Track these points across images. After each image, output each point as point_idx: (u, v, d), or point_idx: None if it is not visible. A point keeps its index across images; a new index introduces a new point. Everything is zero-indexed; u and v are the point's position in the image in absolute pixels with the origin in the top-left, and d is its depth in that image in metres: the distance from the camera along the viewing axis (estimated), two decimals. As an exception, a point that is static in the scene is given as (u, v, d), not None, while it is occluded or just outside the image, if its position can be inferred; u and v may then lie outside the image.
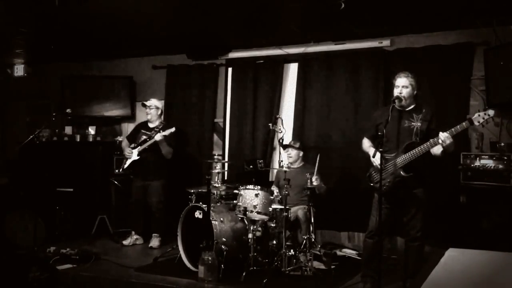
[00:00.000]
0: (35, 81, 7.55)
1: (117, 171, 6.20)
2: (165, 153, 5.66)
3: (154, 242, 5.70)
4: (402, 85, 3.99)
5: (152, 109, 5.82)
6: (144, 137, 5.75)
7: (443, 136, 3.64)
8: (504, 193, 4.54)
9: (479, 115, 3.62)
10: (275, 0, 4.66)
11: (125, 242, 5.76)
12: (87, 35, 5.99)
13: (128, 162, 5.72)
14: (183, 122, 6.77)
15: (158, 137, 5.50)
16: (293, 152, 5.38)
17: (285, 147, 5.40)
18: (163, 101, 6.57)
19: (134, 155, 5.70)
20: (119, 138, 6.88)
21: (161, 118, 5.95)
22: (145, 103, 5.87)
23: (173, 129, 5.54)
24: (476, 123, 3.63)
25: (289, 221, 4.76)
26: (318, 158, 4.98)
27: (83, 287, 4.51)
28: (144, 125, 5.94)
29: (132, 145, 5.78)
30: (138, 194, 5.78)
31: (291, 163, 5.39)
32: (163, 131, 5.55)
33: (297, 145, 5.42)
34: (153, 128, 5.78)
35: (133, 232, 5.85)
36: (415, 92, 4.04)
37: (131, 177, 5.94)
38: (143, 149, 5.66)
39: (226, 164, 6.28)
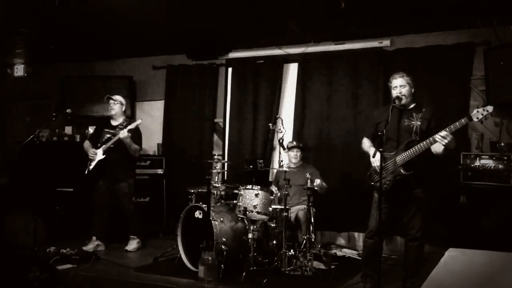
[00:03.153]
0: (35, 81, 7.55)
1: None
2: (132, 151, 5.37)
3: (132, 245, 5.46)
4: (400, 85, 4.00)
5: (116, 104, 5.51)
6: (108, 135, 5.43)
7: (443, 133, 3.64)
8: (504, 193, 4.54)
9: (477, 111, 3.61)
10: (275, 0, 4.66)
11: (86, 248, 5.35)
12: (87, 35, 5.99)
13: (94, 163, 5.39)
14: (183, 122, 6.78)
15: (122, 133, 5.18)
16: (298, 153, 5.41)
17: (291, 148, 5.41)
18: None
19: (99, 155, 5.37)
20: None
21: (124, 115, 5.66)
22: (111, 96, 5.52)
23: (139, 121, 5.31)
24: (475, 119, 3.62)
25: (289, 221, 4.77)
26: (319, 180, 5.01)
27: (83, 287, 4.51)
28: (106, 123, 5.59)
29: (99, 145, 5.47)
30: (102, 197, 5.48)
31: (294, 163, 5.40)
32: (126, 127, 5.26)
33: (301, 145, 5.47)
34: (117, 126, 5.46)
35: (94, 238, 5.52)
36: (413, 90, 4.05)
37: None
38: (108, 147, 5.32)
39: (226, 164, 6.28)
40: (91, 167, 5.42)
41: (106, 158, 5.37)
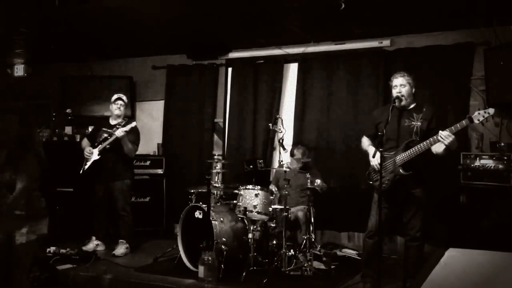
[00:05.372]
0: (35, 81, 7.55)
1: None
2: (127, 151, 5.26)
3: (120, 249, 5.32)
4: (400, 84, 4.00)
5: (123, 105, 5.44)
6: (105, 135, 5.31)
7: (444, 134, 3.63)
8: (504, 193, 4.55)
9: (479, 113, 3.61)
10: (275, 0, 4.66)
11: (85, 248, 5.31)
12: (87, 35, 5.99)
13: (89, 162, 5.30)
14: (183, 122, 6.79)
15: (119, 133, 5.10)
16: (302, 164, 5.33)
17: (297, 159, 5.32)
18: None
19: (94, 154, 5.28)
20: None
21: (124, 115, 5.55)
22: (122, 97, 5.45)
23: (133, 124, 5.18)
24: (476, 121, 3.62)
25: (289, 221, 4.76)
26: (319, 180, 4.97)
27: (83, 287, 4.51)
28: (105, 122, 5.51)
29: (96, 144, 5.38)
30: (101, 200, 5.42)
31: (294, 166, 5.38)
32: (124, 127, 5.17)
33: (307, 159, 5.34)
34: (115, 125, 5.35)
35: (93, 238, 5.47)
36: (413, 90, 4.05)
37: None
38: (104, 147, 5.24)
39: (226, 164, 6.27)
40: (86, 166, 5.34)
41: (101, 159, 5.30)
